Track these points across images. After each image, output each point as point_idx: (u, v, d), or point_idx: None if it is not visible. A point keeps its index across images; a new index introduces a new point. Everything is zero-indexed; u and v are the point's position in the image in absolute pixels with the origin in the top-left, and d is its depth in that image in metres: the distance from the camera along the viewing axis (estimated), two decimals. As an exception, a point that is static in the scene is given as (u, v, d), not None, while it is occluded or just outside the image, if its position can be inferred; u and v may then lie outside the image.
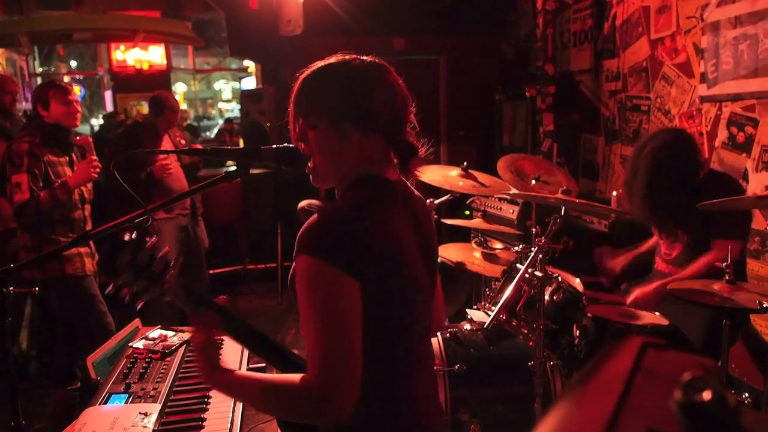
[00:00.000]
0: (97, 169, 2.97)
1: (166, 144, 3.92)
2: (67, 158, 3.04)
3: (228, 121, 12.75)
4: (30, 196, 2.80)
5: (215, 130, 13.97)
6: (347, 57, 1.27)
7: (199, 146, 8.79)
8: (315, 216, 1.17)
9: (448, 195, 3.43)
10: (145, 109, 11.56)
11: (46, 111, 2.93)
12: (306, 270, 1.12)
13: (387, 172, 1.27)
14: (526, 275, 2.41)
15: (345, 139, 1.21)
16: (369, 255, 1.14)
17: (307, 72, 1.28)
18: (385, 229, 1.19)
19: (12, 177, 2.81)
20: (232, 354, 1.93)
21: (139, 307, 1.30)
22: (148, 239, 1.33)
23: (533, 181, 3.11)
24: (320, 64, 1.28)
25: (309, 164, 1.29)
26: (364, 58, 1.27)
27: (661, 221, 2.73)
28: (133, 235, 1.32)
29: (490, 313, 2.70)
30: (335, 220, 1.16)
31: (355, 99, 1.22)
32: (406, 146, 1.27)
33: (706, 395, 0.35)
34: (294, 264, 1.16)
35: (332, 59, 1.28)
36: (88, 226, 3.11)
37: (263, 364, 2.12)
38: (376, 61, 1.27)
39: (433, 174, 3.09)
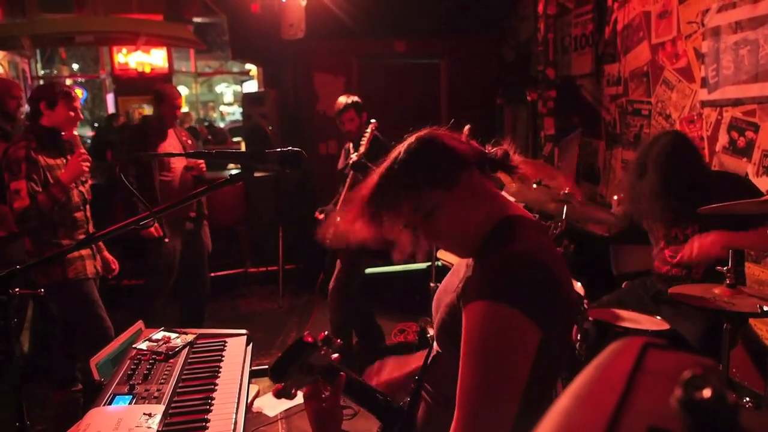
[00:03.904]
0: (87, 163, 2.95)
1: (172, 139, 3.90)
2: (64, 160, 3.03)
3: (204, 122, 12.73)
4: (30, 202, 2.79)
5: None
6: (409, 143, 1.25)
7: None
8: (497, 259, 1.11)
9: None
10: (146, 111, 11.58)
11: (51, 110, 2.91)
12: (492, 316, 1.05)
13: (520, 210, 1.27)
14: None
15: (459, 192, 1.20)
16: (555, 303, 1.09)
17: (388, 168, 1.23)
18: (563, 273, 1.15)
19: (11, 184, 2.80)
20: (235, 356, 1.93)
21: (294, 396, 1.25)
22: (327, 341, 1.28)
23: (534, 185, 3.12)
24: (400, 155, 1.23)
25: (439, 246, 1.28)
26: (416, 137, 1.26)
27: (672, 214, 2.69)
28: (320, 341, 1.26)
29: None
30: (526, 265, 1.10)
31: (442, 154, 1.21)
32: (494, 159, 1.28)
33: (706, 393, 0.35)
34: (468, 308, 1.09)
35: (398, 151, 1.24)
36: (90, 227, 3.11)
37: (265, 366, 2.13)
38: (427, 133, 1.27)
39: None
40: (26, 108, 3.54)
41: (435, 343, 1.33)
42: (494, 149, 1.30)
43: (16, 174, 2.80)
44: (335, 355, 1.28)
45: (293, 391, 1.23)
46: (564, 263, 1.20)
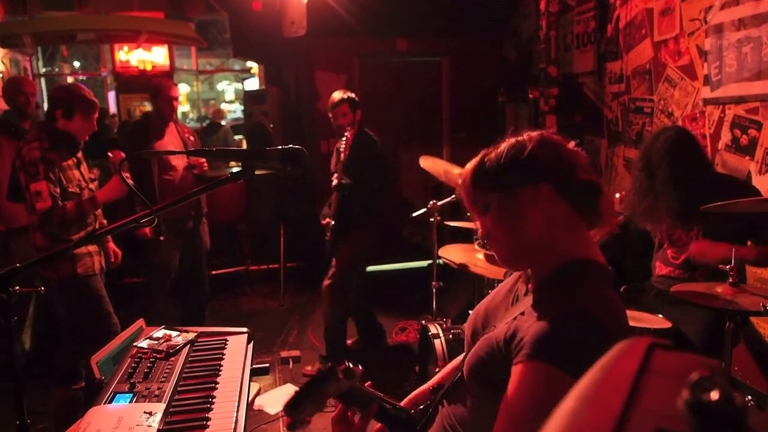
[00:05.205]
0: (125, 191, 3.01)
1: (174, 136, 3.88)
2: (75, 160, 3.04)
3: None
4: (52, 203, 2.80)
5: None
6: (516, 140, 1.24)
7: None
8: (559, 317, 1.06)
9: (452, 196, 3.45)
10: (147, 108, 11.55)
11: (67, 120, 2.93)
12: (544, 380, 1.02)
13: (595, 253, 1.20)
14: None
15: (514, 201, 1.18)
16: None
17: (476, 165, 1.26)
18: (623, 330, 1.11)
19: (30, 186, 2.81)
20: (236, 354, 1.93)
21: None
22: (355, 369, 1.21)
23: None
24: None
25: (493, 246, 1.24)
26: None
27: (683, 213, 2.67)
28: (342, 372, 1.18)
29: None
30: (586, 329, 1.04)
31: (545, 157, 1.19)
32: (583, 185, 1.20)
33: (714, 395, 0.35)
34: (520, 365, 1.06)
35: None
36: (97, 224, 3.13)
37: (266, 365, 2.12)
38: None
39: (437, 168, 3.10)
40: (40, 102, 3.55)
41: (464, 369, 1.28)
42: (585, 176, 1.20)
43: (34, 175, 2.80)
44: (367, 383, 1.26)
45: (307, 418, 1.19)
46: (624, 315, 1.14)
